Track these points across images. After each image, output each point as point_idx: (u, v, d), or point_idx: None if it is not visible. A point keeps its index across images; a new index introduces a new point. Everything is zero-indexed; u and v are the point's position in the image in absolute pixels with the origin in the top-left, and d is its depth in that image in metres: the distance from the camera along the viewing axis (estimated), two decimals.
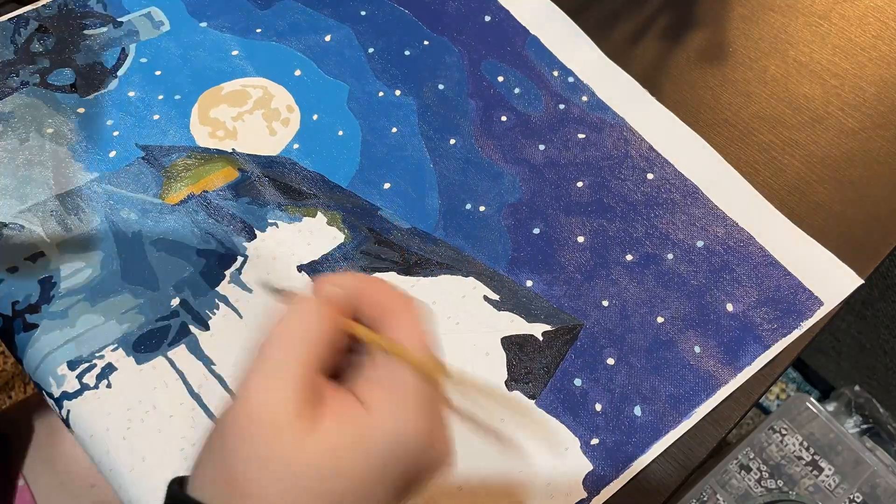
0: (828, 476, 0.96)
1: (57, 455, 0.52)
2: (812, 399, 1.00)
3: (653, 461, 0.41)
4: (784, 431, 0.99)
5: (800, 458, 0.98)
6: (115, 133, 0.51)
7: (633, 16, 0.61)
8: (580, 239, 0.48)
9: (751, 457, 0.98)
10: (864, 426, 1.10)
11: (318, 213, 0.48)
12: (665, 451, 0.42)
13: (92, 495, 0.51)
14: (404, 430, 0.27)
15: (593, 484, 0.40)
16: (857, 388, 1.12)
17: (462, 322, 0.44)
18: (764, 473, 0.97)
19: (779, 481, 0.97)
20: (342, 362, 0.30)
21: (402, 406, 0.28)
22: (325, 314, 0.29)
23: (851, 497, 0.95)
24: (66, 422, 0.41)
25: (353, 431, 0.27)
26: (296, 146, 0.51)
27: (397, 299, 0.30)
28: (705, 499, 0.95)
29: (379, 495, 0.28)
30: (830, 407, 1.13)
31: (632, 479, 0.41)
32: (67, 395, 0.41)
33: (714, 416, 0.43)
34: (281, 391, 0.27)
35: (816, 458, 0.98)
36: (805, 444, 0.98)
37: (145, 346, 0.43)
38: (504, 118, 0.53)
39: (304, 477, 0.26)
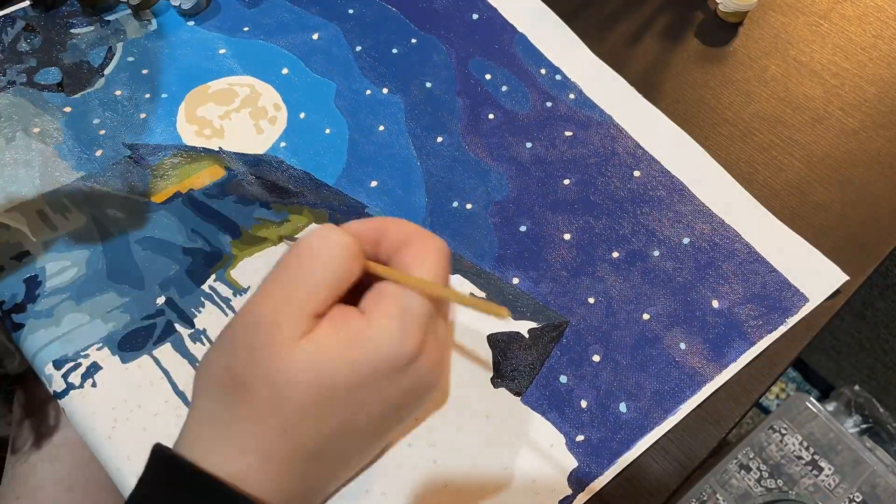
0: (827, 476, 0.96)
1: None
2: (812, 399, 0.99)
3: (653, 461, 0.41)
4: (784, 431, 0.99)
5: (799, 457, 0.97)
6: (102, 132, 0.51)
7: (631, 17, 0.60)
8: (567, 236, 0.48)
9: (751, 456, 0.98)
10: (864, 426, 1.09)
11: (305, 211, 0.48)
12: (665, 450, 0.41)
13: None
14: (398, 341, 0.27)
15: (578, 481, 0.40)
16: (856, 387, 1.12)
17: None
18: (764, 473, 0.97)
19: (779, 481, 0.96)
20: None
21: (399, 318, 0.28)
22: (347, 244, 0.29)
23: (851, 497, 0.94)
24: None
25: (346, 335, 0.27)
26: (283, 144, 0.51)
27: (416, 233, 0.30)
28: (705, 498, 0.95)
29: (370, 408, 0.28)
30: (830, 407, 1.13)
31: (631, 478, 0.40)
32: (57, 394, 0.41)
33: (714, 416, 0.42)
34: (293, 303, 0.27)
35: (816, 457, 0.97)
36: (805, 443, 0.98)
37: (130, 344, 0.43)
38: (491, 116, 0.53)
39: (292, 380, 0.26)
